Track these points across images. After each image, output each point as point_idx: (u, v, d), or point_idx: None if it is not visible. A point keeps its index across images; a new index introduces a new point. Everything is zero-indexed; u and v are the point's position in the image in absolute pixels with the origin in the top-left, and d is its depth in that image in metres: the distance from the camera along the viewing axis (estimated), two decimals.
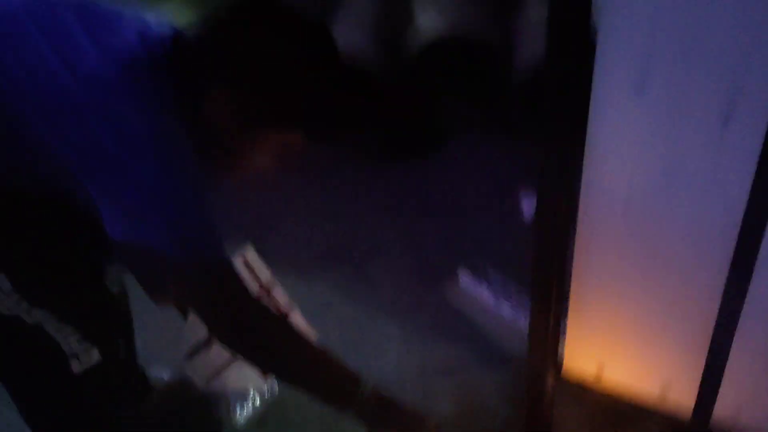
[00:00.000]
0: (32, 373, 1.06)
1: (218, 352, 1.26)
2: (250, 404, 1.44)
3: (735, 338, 0.99)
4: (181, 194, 0.85)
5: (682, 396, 1.11)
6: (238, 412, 1.43)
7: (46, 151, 0.82)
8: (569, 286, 1.14)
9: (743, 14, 0.79)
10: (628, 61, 0.88)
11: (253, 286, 1.30)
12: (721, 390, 1.06)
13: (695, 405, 1.10)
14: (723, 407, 1.08)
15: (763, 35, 0.78)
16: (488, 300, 1.71)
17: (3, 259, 0.91)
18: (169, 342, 1.31)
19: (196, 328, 1.16)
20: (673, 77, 0.86)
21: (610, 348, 1.17)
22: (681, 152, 0.91)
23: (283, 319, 1.09)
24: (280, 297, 1.38)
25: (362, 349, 1.57)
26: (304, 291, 1.75)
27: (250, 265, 1.33)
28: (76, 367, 1.01)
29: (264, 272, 1.36)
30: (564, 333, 1.18)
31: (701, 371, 1.06)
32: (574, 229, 1.07)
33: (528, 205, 1.94)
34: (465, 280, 1.79)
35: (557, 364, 1.23)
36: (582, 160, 1.00)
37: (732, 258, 0.93)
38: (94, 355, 1.02)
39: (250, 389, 1.42)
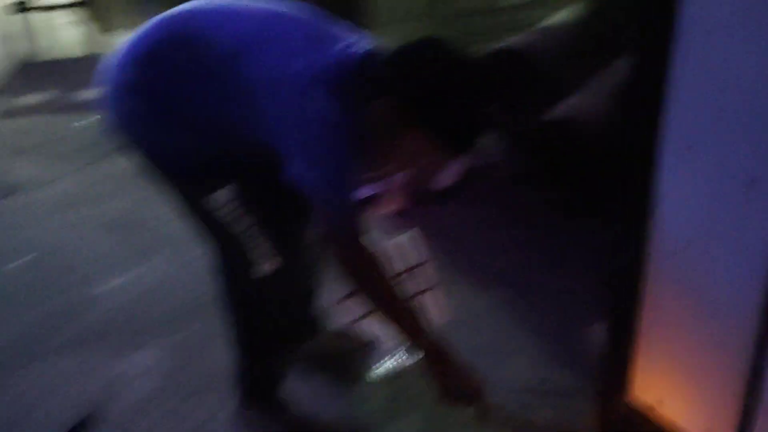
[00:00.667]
0: (223, 273, 1.49)
1: (360, 303, 1.64)
2: (385, 361, 1.76)
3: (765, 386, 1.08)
4: (340, 160, 1.22)
5: None
6: (376, 366, 1.75)
7: (260, 116, 1.22)
8: (639, 322, 1.29)
9: None
10: (683, 123, 1.07)
11: (396, 260, 1.68)
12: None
13: None
14: None
15: None
16: None
17: (230, 177, 1.35)
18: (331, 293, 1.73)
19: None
20: (712, 141, 1.04)
21: (668, 383, 1.28)
22: (718, 205, 1.05)
23: (391, 277, 1.38)
24: (429, 275, 1.74)
25: (487, 353, 1.81)
26: (459, 297, 2.06)
27: (400, 246, 1.71)
28: (255, 273, 1.41)
29: (414, 254, 1.73)
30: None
31: (740, 417, 1.14)
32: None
33: None
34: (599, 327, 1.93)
35: (624, 392, 1.37)
36: (652, 206, 1.18)
37: (762, 307, 1.04)
38: (275, 264, 1.41)
39: (386, 346, 1.75)
